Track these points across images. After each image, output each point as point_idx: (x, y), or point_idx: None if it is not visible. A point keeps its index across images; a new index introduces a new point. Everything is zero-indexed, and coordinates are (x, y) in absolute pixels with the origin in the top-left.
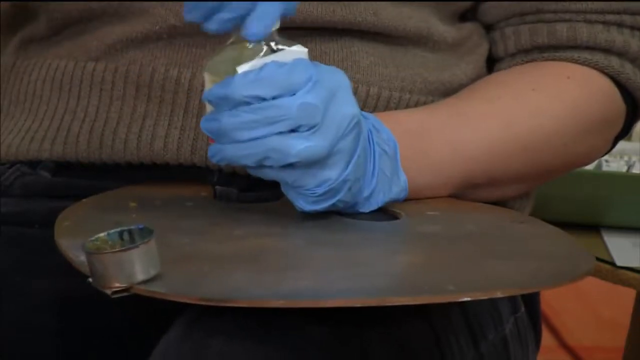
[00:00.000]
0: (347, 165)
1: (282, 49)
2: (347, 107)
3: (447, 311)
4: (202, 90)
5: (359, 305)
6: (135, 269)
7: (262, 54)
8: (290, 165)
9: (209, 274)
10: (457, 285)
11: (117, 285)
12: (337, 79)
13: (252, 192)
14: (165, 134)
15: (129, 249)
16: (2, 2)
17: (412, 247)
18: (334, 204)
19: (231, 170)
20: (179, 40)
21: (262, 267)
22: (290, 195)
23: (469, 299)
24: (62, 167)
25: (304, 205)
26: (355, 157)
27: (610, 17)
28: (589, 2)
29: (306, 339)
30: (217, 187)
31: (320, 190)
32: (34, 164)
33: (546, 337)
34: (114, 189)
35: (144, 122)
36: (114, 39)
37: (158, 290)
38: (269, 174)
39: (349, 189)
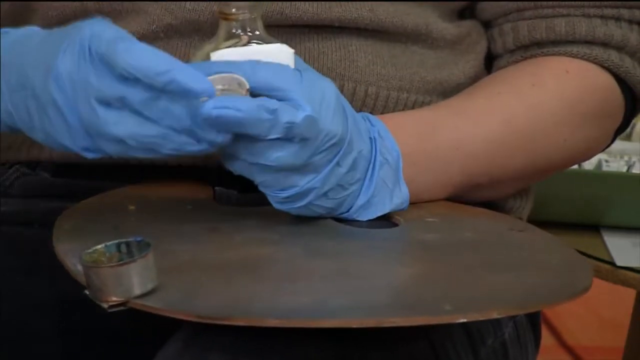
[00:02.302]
0: (316, 176)
1: (262, 44)
2: (334, 125)
3: None
4: None
5: (356, 326)
6: (132, 283)
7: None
8: (261, 165)
9: (206, 287)
10: (454, 303)
11: (114, 299)
12: (327, 91)
13: (251, 193)
14: None
15: (127, 263)
16: (2, 2)
17: (411, 258)
18: (307, 207)
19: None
20: (176, 39)
21: (260, 280)
22: (269, 197)
23: (465, 320)
24: (61, 167)
25: (273, 204)
26: (328, 168)
27: (608, 11)
28: None
29: (306, 355)
30: (216, 188)
31: (283, 194)
32: (33, 165)
33: (546, 337)
34: (113, 189)
35: None
36: None
37: (155, 305)
38: (238, 167)
39: (325, 194)
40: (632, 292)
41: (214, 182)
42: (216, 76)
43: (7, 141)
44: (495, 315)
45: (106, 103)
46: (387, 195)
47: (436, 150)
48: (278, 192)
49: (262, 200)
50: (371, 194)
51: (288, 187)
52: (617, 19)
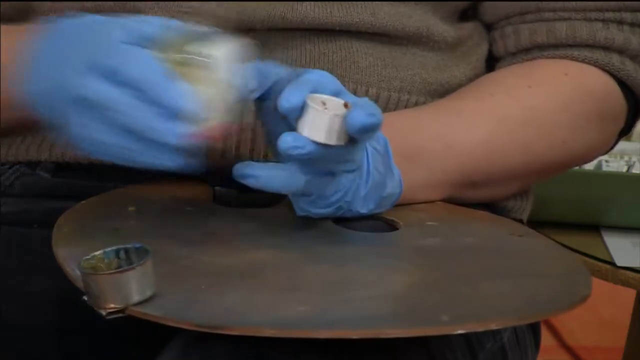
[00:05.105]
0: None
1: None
2: None
3: None
4: None
5: (354, 337)
6: (131, 290)
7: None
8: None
9: (204, 294)
10: (452, 313)
11: (112, 306)
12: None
13: (251, 193)
14: None
15: (125, 270)
16: (2, 3)
17: (410, 265)
18: (339, 207)
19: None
20: None
21: (258, 287)
22: (301, 203)
23: (463, 331)
24: (61, 167)
25: (311, 210)
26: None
27: (609, 15)
28: (588, 1)
29: None
30: (216, 188)
31: (334, 198)
32: (33, 165)
33: (546, 337)
34: (113, 189)
35: None
36: None
37: (153, 313)
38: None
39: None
40: (632, 292)
41: (213, 183)
42: (314, 96)
43: (7, 141)
44: (493, 326)
45: None
46: (381, 181)
47: (425, 144)
48: (330, 198)
49: (261, 201)
50: (370, 184)
51: (336, 191)
52: (619, 22)
